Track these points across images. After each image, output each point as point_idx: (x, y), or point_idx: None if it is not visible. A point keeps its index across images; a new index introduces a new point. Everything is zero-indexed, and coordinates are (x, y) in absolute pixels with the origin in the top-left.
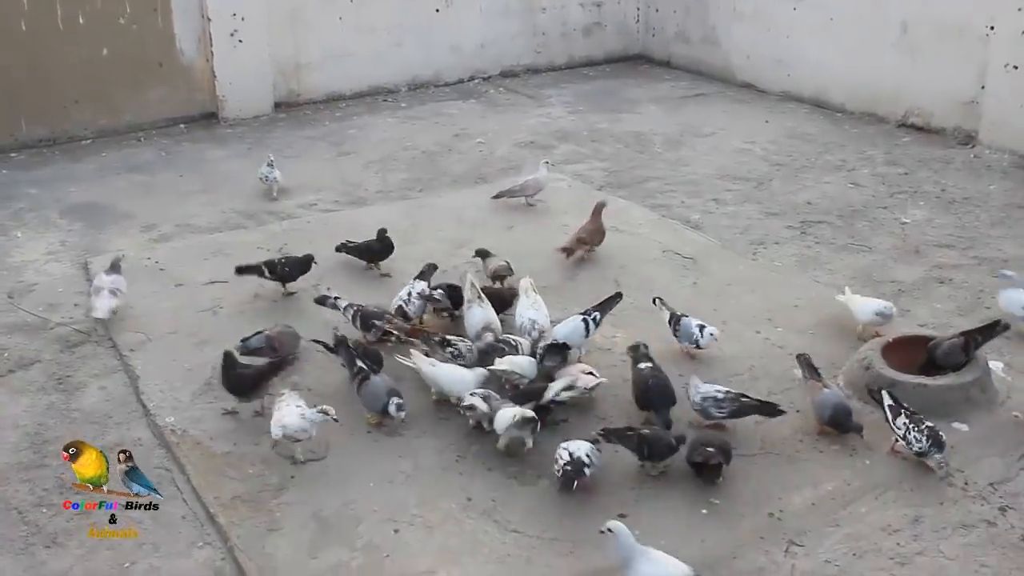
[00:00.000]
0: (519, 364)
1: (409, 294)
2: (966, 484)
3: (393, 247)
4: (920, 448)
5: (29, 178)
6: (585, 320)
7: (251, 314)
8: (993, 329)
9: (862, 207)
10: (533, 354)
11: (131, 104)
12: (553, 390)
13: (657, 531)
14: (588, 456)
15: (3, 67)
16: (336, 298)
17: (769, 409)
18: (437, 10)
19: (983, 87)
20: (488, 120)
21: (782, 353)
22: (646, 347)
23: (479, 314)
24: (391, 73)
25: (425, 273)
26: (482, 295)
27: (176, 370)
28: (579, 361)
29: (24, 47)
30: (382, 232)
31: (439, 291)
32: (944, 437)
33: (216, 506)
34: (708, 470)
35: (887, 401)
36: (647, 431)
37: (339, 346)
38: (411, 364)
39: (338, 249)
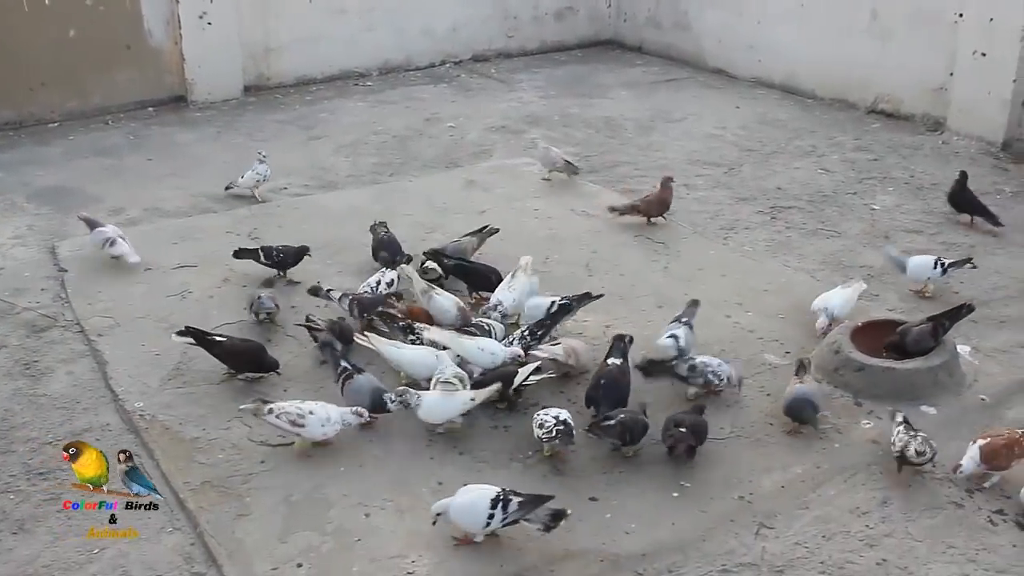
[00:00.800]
0: (471, 353)
1: (378, 282)
2: (934, 467)
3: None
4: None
5: None
6: (553, 302)
7: (220, 299)
8: (959, 312)
9: (832, 193)
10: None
11: (99, 87)
12: (522, 375)
13: (628, 514)
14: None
15: None
16: (329, 290)
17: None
18: None
19: (952, 74)
20: (459, 104)
21: (752, 337)
22: (628, 342)
23: (444, 302)
24: (362, 57)
25: (395, 263)
26: (431, 284)
27: (144, 355)
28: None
29: None
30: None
31: (429, 263)
32: None
33: (186, 491)
34: (681, 452)
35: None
36: (624, 416)
37: (324, 347)
38: (371, 346)
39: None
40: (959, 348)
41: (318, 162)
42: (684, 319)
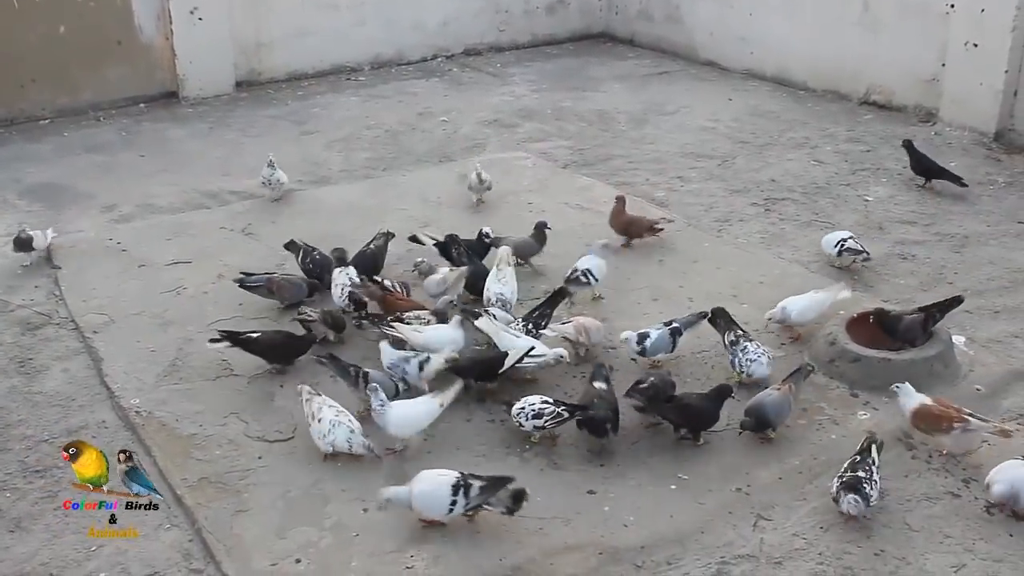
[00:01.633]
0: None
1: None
2: (930, 457)
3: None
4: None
5: None
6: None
7: (214, 295)
8: (951, 304)
9: (825, 184)
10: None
11: (90, 83)
12: (513, 357)
13: (626, 507)
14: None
15: None
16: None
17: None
18: None
19: (944, 65)
20: (451, 98)
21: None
22: (608, 369)
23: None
24: (353, 51)
25: (342, 259)
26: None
27: (140, 352)
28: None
29: None
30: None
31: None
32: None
33: (183, 488)
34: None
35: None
36: (655, 379)
37: (330, 360)
38: (399, 335)
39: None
40: (954, 338)
41: (311, 157)
42: (675, 323)
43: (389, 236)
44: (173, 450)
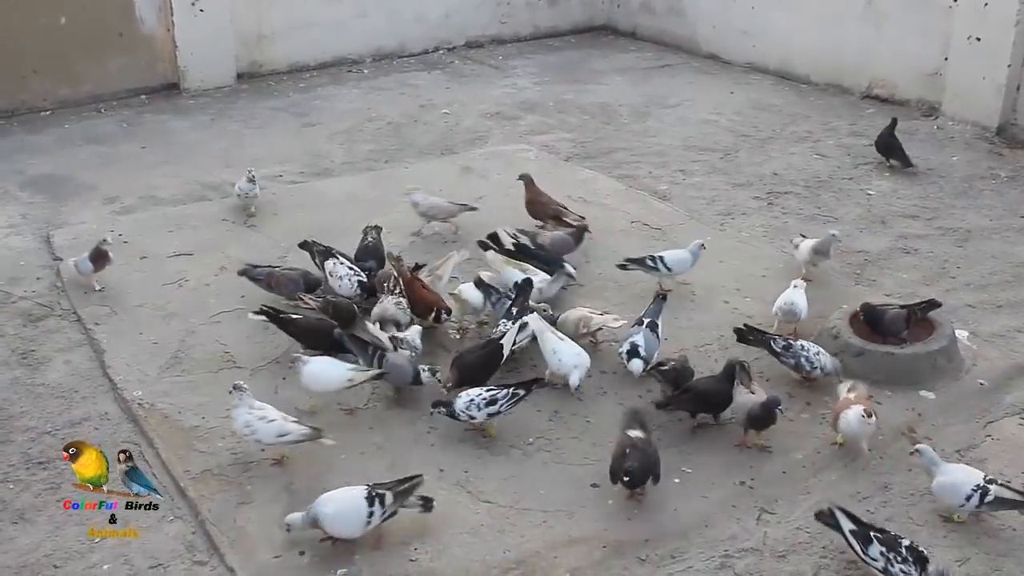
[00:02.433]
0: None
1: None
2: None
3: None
4: None
5: None
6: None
7: (217, 287)
8: (930, 306)
9: (828, 178)
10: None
11: (91, 74)
12: (511, 335)
13: (630, 501)
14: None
15: None
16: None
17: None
18: None
19: (946, 59)
20: (453, 91)
21: (750, 323)
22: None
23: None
24: (355, 43)
25: (321, 254)
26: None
27: (142, 343)
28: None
29: None
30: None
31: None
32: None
33: (186, 480)
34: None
35: (847, 526)
36: (676, 363)
37: (350, 338)
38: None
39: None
40: (957, 333)
41: (313, 149)
42: (647, 319)
43: (379, 230)
44: (176, 442)
